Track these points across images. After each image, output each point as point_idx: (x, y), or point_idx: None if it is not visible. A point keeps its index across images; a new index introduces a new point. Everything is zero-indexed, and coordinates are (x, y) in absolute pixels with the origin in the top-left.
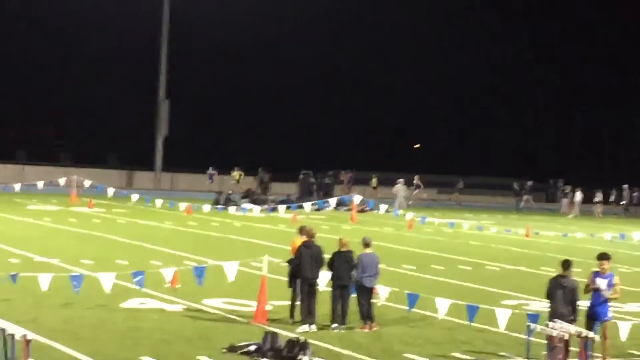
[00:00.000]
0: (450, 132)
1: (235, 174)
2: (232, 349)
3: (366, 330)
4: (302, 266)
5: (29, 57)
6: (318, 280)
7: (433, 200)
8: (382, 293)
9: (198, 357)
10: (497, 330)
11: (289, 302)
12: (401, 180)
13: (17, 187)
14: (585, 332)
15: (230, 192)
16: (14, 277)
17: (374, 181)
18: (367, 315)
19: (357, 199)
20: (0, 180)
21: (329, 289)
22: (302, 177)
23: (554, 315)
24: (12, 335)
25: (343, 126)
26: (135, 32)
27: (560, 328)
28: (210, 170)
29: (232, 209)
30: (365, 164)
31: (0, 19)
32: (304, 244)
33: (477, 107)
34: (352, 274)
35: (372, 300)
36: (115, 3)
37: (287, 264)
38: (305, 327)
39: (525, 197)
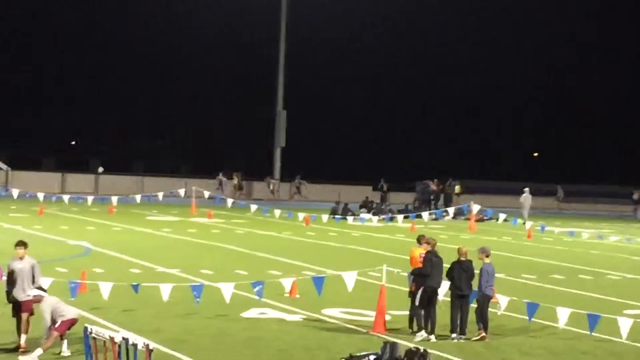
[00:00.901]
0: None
1: (235, 179)
2: (351, 358)
3: (487, 340)
4: (431, 275)
5: (147, 71)
6: (438, 290)
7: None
8: (501, 302)
9: None
10: (618, 340)
11: (408, 312)
12: (527, 189)
13: (138, 198)
14: None
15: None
16: (135, 287)
17: (458, 188)
18: (486, 324)
19: (475, 208)
20: (120, 192)
21: (448, 298)
22: (420, 186)
23: None
24: (135, 345)
25: (458, 135)
26: (252, 43)
27: None
28: (220, 176)
29: (350, 219)
30: (476, 173)
31: (117, 41)
32: (432, 253)
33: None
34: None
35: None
36: (233, 15)
37: (411, 274)
38: (424, 336)
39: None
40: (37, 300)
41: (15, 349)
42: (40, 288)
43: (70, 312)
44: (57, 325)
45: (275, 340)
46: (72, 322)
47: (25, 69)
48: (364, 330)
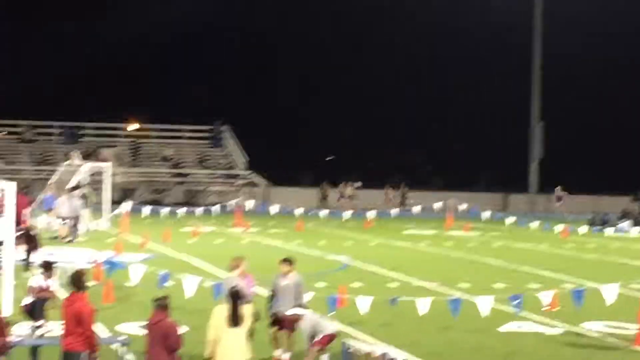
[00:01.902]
0: None
1: (349, 189)
2: None
3: None
4: None
5: (390, 86)
6: None
7: None
8: None
9: None
10: None
11: None
12: None
13: (394, 212)
14: None
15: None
16: (393, 301)
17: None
18: None
19: None
20: (377, 206)
21: None
22: None
23: None
24: (394, 359)
25: None
26: (506, 54)
27: None
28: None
29: (609, 230)
30: None
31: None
32: None
33: None
34: None
35: None
36: (484, 25)
37: None
38: None
39: None
40: (298, 318)
41: None
42: (301, 305)
43: (329, 327)
44: (316, 341)
45: (534, 354)
46: (331, 338)
47: (284, 87)
48: (626, 344)
